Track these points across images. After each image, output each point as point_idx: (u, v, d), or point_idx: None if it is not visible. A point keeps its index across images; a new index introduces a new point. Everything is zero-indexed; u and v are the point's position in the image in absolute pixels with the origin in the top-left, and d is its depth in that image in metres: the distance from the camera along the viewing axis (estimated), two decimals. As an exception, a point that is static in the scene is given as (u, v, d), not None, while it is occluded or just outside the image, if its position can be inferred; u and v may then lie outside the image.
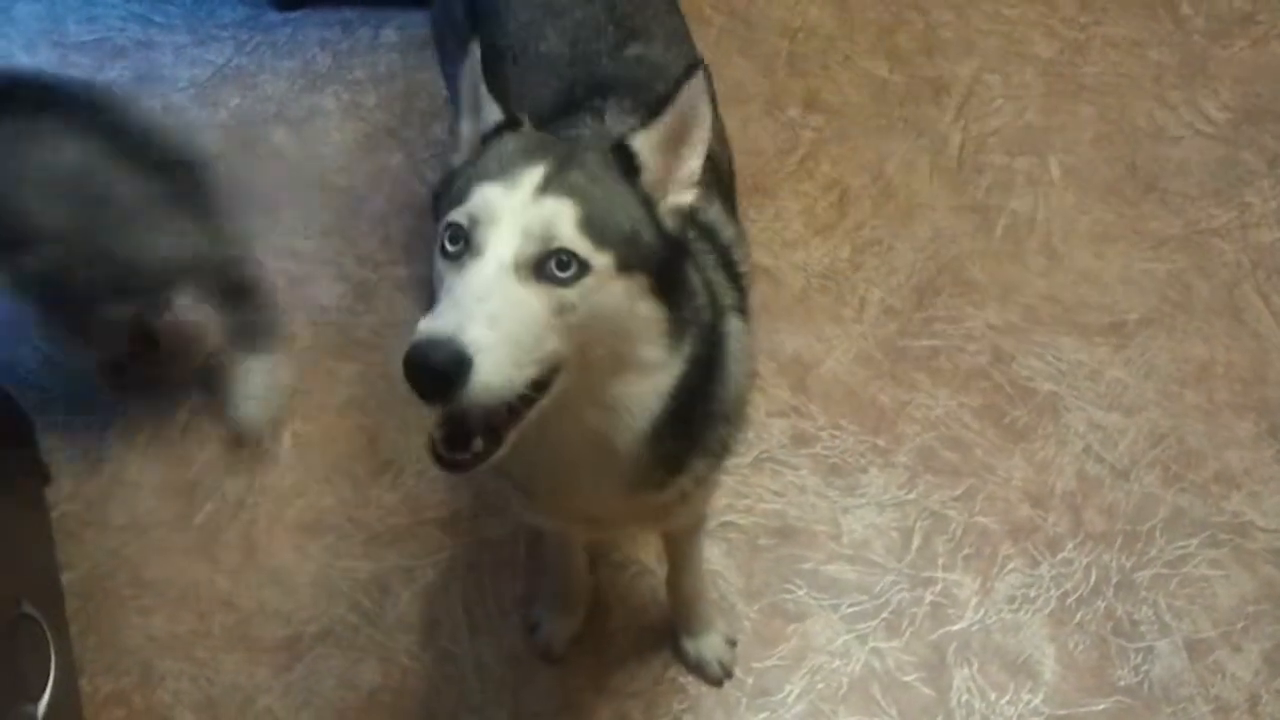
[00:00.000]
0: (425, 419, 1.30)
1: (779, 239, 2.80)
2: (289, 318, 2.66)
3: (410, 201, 2.88)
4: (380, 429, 2.54)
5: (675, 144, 1.43)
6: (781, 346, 2.63)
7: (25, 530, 2.24)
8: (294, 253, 2.80)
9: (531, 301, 1.27)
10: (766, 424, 2.51)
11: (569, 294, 1.29)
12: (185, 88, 3.12)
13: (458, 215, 1.32)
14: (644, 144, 1.42)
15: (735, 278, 1.74)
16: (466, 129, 1.52)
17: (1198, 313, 2.70)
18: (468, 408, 1.23)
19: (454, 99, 2.34)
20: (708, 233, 1.70)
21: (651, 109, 1.43)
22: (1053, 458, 2.50)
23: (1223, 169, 2.93)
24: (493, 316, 1.23)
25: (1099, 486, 2.47)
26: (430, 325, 1.22)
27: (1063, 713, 2.23)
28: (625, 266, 1.34)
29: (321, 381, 2.61)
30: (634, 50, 1.90)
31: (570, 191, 1.33)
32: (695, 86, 1.41)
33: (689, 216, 1.45)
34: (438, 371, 1.19)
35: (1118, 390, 2.59)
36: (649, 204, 1.41)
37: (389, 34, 3.23)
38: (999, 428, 2.54)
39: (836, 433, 2.53)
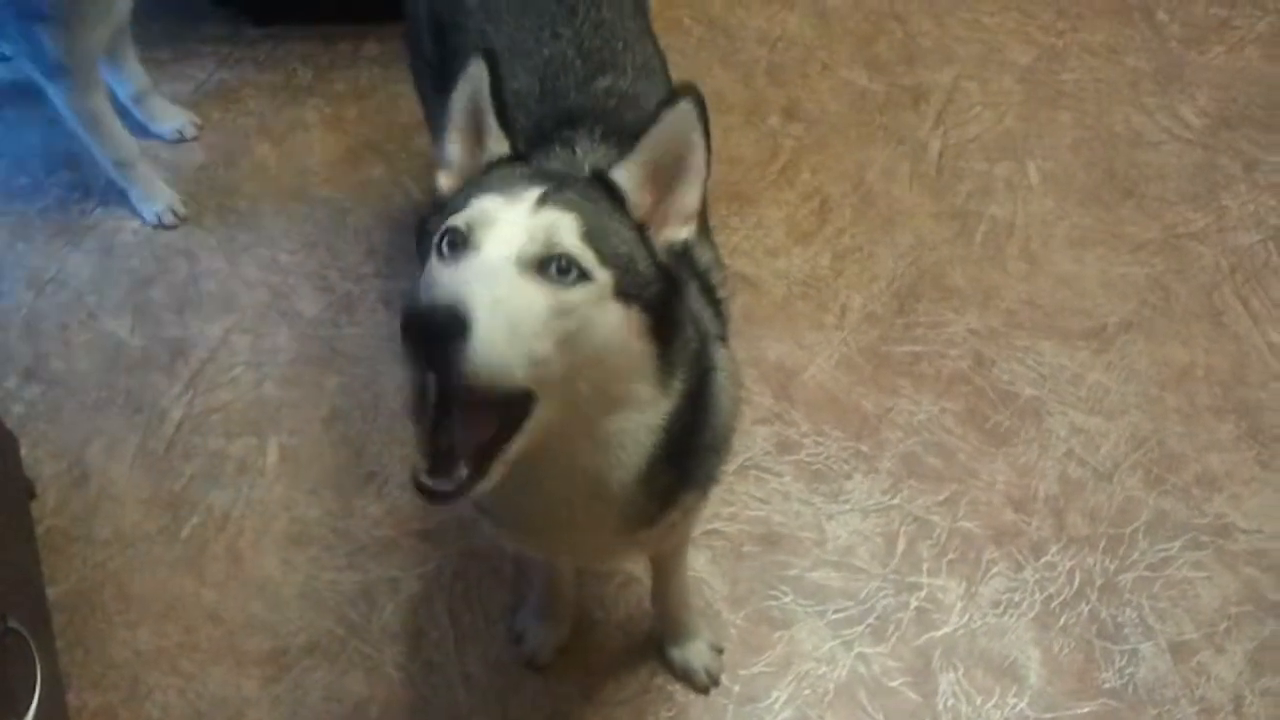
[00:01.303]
0: (409, 452, 1.29)
1: (760, 247, 2.81)
2: (275, 330, 2.67)
3: (393, 214, 2.89)
4: (365, 441, 2.54)
5: (665, 176, 1.39)
6: (764, 354, 2.64)
7: (10, 545, 2.23)
8: (277, 265, 2.81)
9: (532, 293, 1.24)
10: (750, 431, 2.52)
11: (570, 296, 1.26)
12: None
13: (456, 220, 1.31)
14: (625, 174, 1.40)
15: (715, 303, 1.74)
16: (455, 149, 1.50)
17: (1177, 316, 2.71)
18: (461, 382, 1.18)
19: (431, 124, 2.37)
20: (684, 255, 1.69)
21: (631, 137, 1.41)
22: (1035, 462, 2.52)
23: (1200, 174, 2.95)
24: (493, 296, 1.20)
25: (1081, 490, 2.48)
26: (428, 295, 1.20)
27: (1048, 716, 2.24)
28: (623, 292, 1.31)
29: (306, 394, 2.61)
30: (603, 83, 1.89)
31: (571, 206, 1.32)
32: (681, 114, 1.37)
33: (683, 253, 1.42)
34: (438, 325, 1.14)
35: (1099, 394, 2.60)
36: (641, 234, 1.39)
37: (370, 47, 3.24)
38: (981, 432, 2.55)
39: (820, 439, 2.54)
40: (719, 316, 1.73)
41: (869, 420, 2.57)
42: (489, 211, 1.30)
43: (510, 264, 1.25)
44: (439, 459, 1.26)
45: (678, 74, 2.06)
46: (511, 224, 1.29)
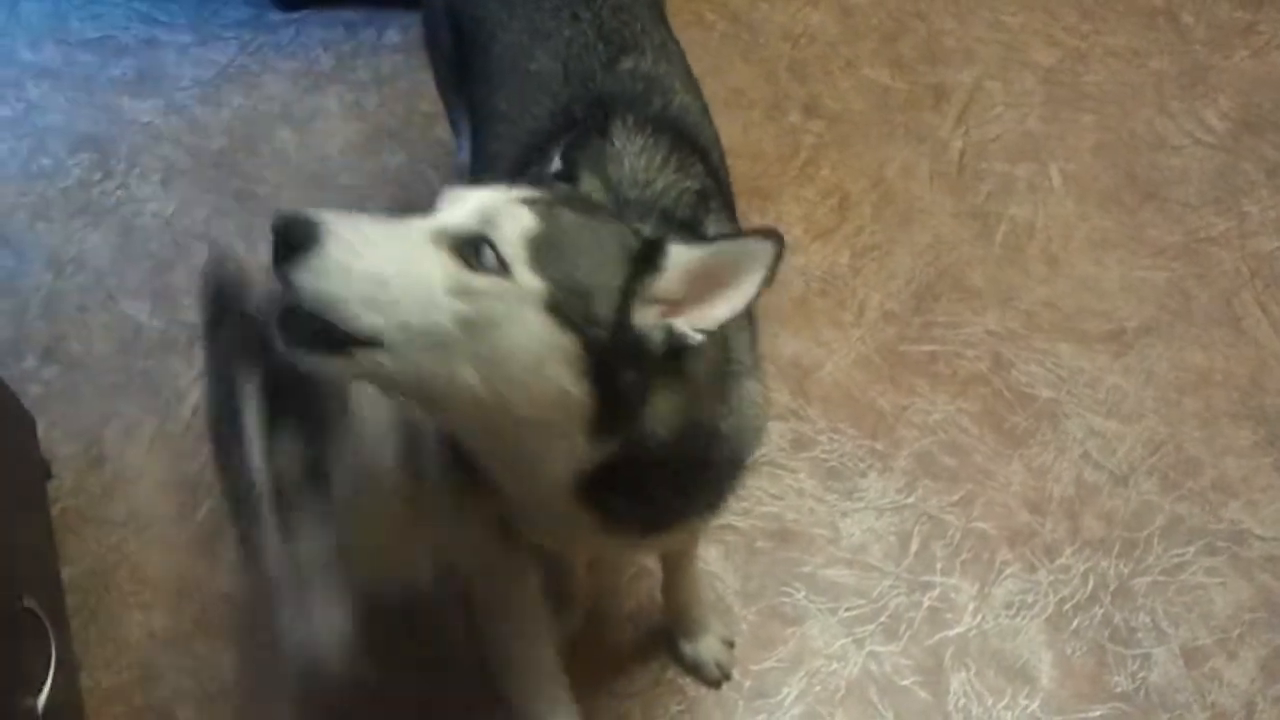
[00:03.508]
0: None
1: (779, 243, 2.80)
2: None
3: (413, 202, 2.85)
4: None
5: (711, 281, 1.31)
6: (780, 350, 2.63)
7: (26, 525, 2.24)
8: (296, 252, 2.80)
9: (433, 261, 1.22)
10: (766, 428, 2.51)
11: (472, 280, 1.22)
12: (189, 87, 3.13)
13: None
14: (678, 256, 1.33)
15: (752, 323, 1.71)
16: None
17: (1196, 321, 2.71)
18: (293, 295, 1.16)
19: (449, 111, 2.38)
20: None
21: (703, 236, 1.41)
22: (1051, 464, 2.51)
23: (1222, 178, 2.94)
24: (373, 237, 1.19)
25: (1097, 493, 2.48)
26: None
27: (1059, 718, 2.24)
28: (556, 309, 1.25)
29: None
30: (627, 64, 1.88)
31: (546, 218, 1.27)
32: (761, 250, 1.28)
33: (678, 349, 1.34)
34: (285, 231, 1.15)
35: (1116, 397, 2.60)
36: (632, 293, 1.31)
37: (392, 35, 3.23)
38: (998, 433, 2.55)
39: (835, 437, 2.54)
40: (754, 338, 1.68)
41: (885, 419, 2.57)
42: (474, 191, 1.29)
43: (425, 230, 1.23)
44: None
45: (699, 69, 2.05)
46: (466, 203, 1.27)
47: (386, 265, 1.19)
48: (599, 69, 1.87)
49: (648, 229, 1.51)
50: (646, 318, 1.31)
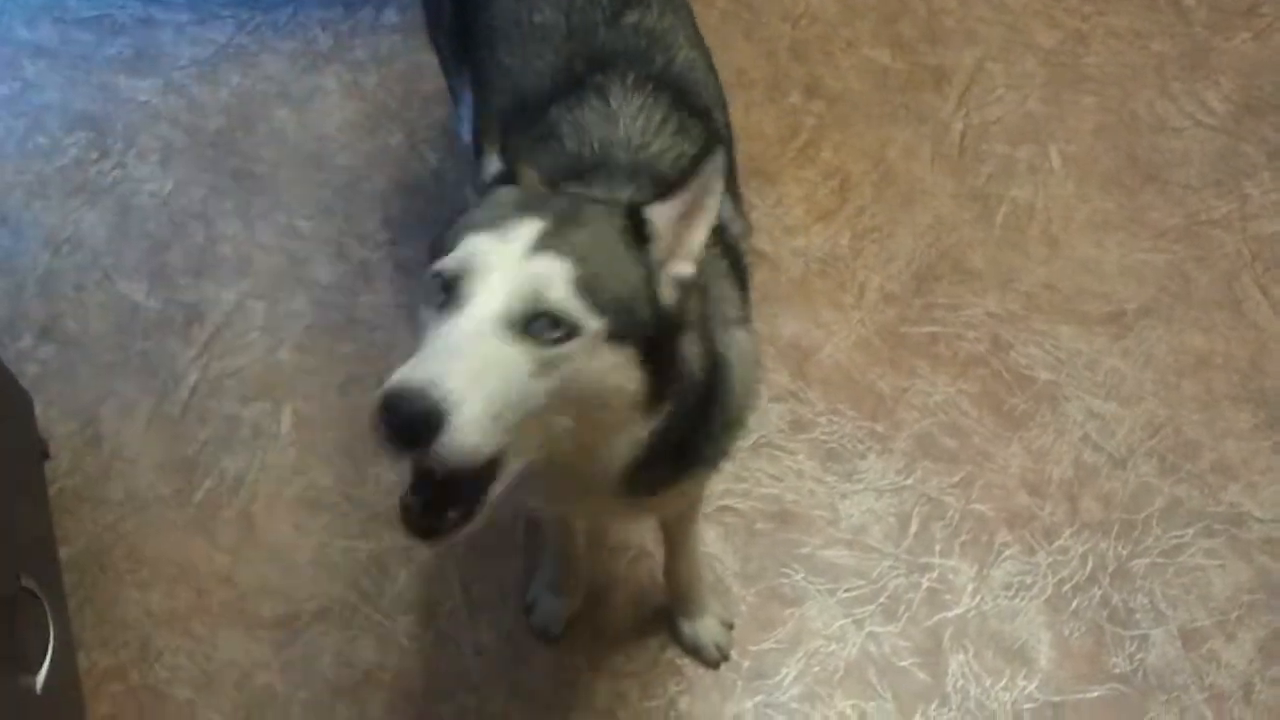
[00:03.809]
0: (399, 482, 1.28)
1: (779, 225, 2.80)
2: (291, 296, 2.68)
3: (411, 182, 2.88)
4: (380, 408, 2.54)
5: (686, 219, 1.40)
6: (780, 332, 2.63)
7: (23, 504, 2.23)
8: (294, 231, 2.80)
9: (514, 358, 1.23)
10: (765, 409, 2.51)
11: (555, 352, 1.25)
12: (186, 66, 3.11)
13: (445, 264, 1.29)
14: (659, 215, 1.39)
15: (741, 276, 1.73)
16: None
17: (1196, 303, 2.70)
18: (439, 467, 1.18)
19: (449, 80, 2.37)
20: (716, 230, 1.62)
21: (670, 184, 1.42)
22: (1050, 446, 2.51)
23: (1223, 160, 2.93)
24: (472, 371, 1.19)
25: (1096, 475, 2.48)
26: (405, 374, 1.18)
27: (1057, 699, 2.24)
28: (616, 335, 1.30)
29: (322, 360, 2.61)
30: (631, 18, 1.87)
31: (568, 251, 1.29)
32: (713, 165, 1.39)
33: (689, 288, 1.42)
34: (410, 421, 1.15)
35: (1116, 379, 2.59)
36: (650, 275, 1.38)
37: (390, 15, 3.21)
38: (997, 415, 2.55)
39: (835, 418, 2.54)
40: (745, 293, 1.72)
41: (884, 400, 2.56)
42: (479, 254, 1.28)
43: (493, 330, 1.23)
44: (429, 496, 1.27)
45: (700, 47, 2.05)
46: (499, 275, 1.27)
47: (497, 393, 1.21)
48: (602, 23, 1.86)
49: (624, 195, 1.57)
50: (664, 288, 1.38)
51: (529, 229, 1.31)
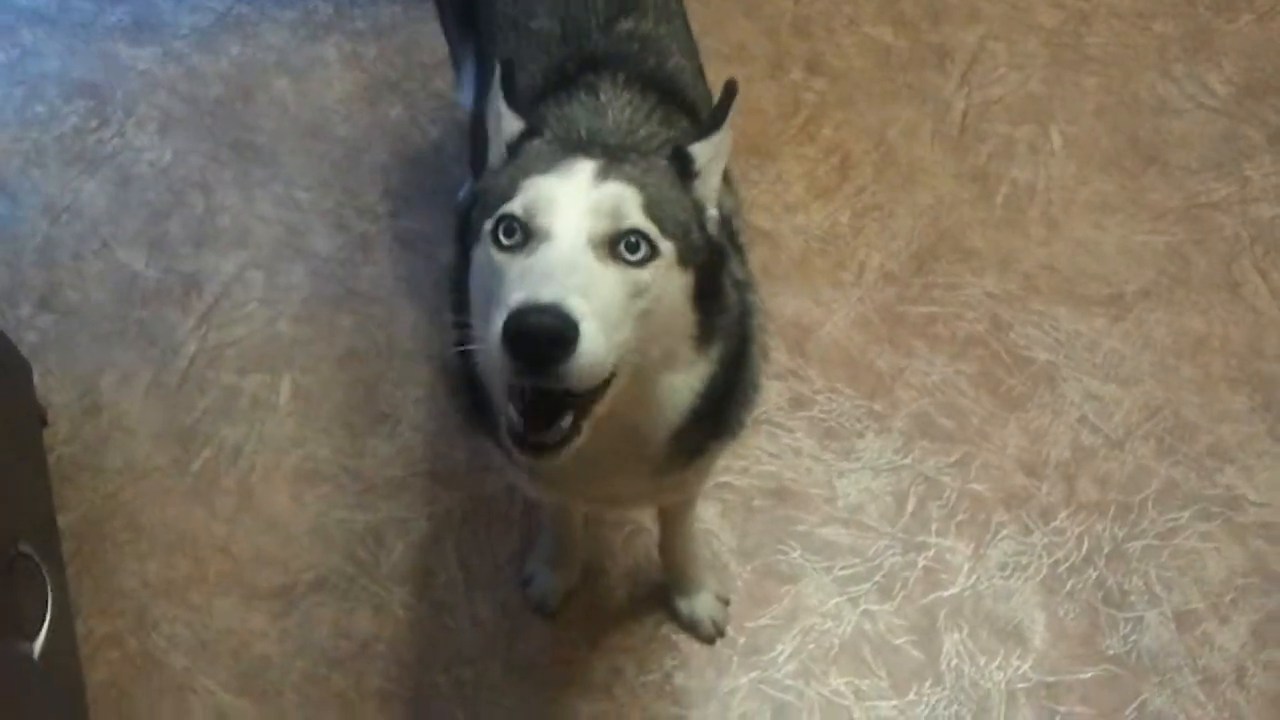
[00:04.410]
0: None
1: (779, 202, 2.79)
2: (289, 267, 2.67)
3: (410, 154, 2.87)
4: (378, 381, 2.54)
5: (715, 161, 1.46)
6: (780, 309, 2.63)
7: (22, 472, 2.24)
8: (293, 202, 2.79)
9: (613, 279, 1.25)
10: (764, 386, 2.51)
11: (644, 275, 1.27)
12: (186, 34, 3.10)
13: (511, 207, 1.30)
14: (703, 154, 1.44)
15: (739, 250, 1.74)
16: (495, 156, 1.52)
17: (1195, 286, 2.70)
18: (571, 383, 1.18)
19: (450, 49, 2.36)
20: None
21: (706, 124, 1.46)
22: (1048, 427, 2.51)
23: (1224, 143, 2.93)
24: (584, 288, 1.20)
25: (1093, 457, 2.48)
26: (529, 294, 1.18)
27: (1051, 679, 2.25)
28: (683, 259, 1.34)
29: (320, 331, 2.61)
30: (625, 25, 1.88)
31: (629, 179, 1.32)
32: (727, 107, 1.45)
33: (722, 224, 1.47)
34: (549, 337, 1.14)
35: (1114, 361, 2.60)
36: (697, 206, 1.43)
37: (391, -15, 3.21)
38: (995, 396, 2.55)
39: (833, 396, 2.54)
40: (742, 254, 1.73)
41: (883, 379, 2.56)
42: (545, 192, 1.30)
43: (586, 251, 1.25)
44: (542, 410, 1.25)
45: (700, 25, 2.05)
46: (574, 203, 1.28)
47: (607, 311, 1.22)
48: (595, 29, 1.87)
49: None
50: (708, 217, 1.44)
51: (586, 164, 1.34)
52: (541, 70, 1.84)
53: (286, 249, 2.72)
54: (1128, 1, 3.19)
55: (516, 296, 1.18)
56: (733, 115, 1.46)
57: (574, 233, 1.26)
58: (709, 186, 1.46)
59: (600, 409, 1.28)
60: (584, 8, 1.88)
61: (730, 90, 1.45)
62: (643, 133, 1.72)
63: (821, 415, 2.51)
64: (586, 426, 1.28)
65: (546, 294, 1.17)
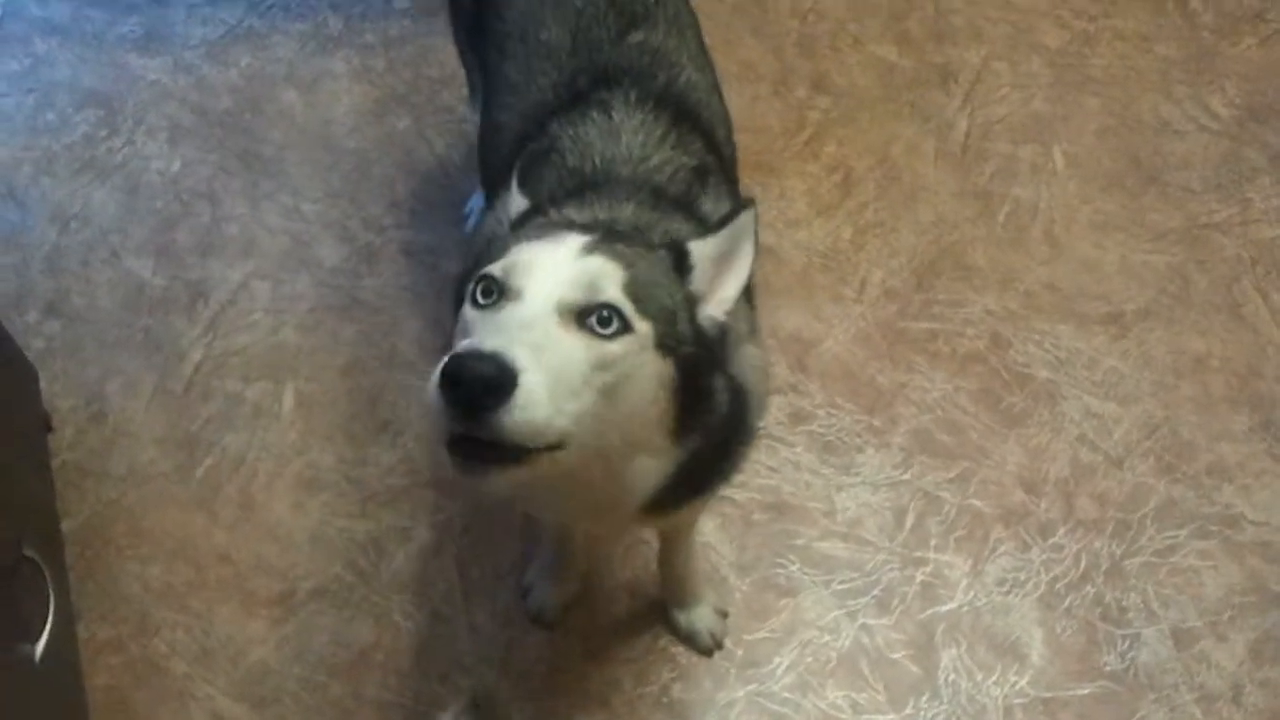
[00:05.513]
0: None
1: (782, 218, 2.81)
2: (295, 277, 2.69)
3: (417, 167, 2.89)
4: (381, 390, 2.55)
5: (719, 263, 1.44)
6: (781, 324, 2.64)
7: (27, 476, 2.25)
8: (300, 213, 2.81)
9: (573, 345, 1.24)
10: (769, 393, 2.52)
11: (612, 348, 1.26)
12: (197, 46, 3.13)
13: (492, 268, 1.31)
14: (699, 251, 1.43)
15: (748, 292, 1.73)
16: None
17: (1196, 306, 2.71)
18: (505, 436, 1.16)
19: (468, 72, 2.38)
20: None
21: (710, 227, 1.47)
22: (1047, 444, 2.52)
23: (1226, 165, 2.95)
24: (536, 346, 1.19)
25: (1092, 474, 2.49)
26: (471, 343, 1.18)
27: (1048, 695, 2.25)
28: (661, 344, 1.32)
29: (324, 341, 2.62)
30: (636, 37, 1.89)
31: (616, 256, 1.33)
32: (749, 219, 1.43)
33: (722, 330, 1.45)
34: (479, 383, 1.13)
35: (1114, 379, 2.61)
36: (690, 299, 1.41)
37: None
38: (995, 412, 2.56)
39: (833, 411, 2.55)
40: (753, 310, 1.74)
41: (883, 395, 2.57)
42: (529, 258, 1.31)
43: (551, 314, 1.25)
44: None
45: (707, 43, 2.06)
46: (552, 271, 1.29)
47: (558, 375, 1.21)
48: (607, 41, 1.87)
49: (628, 210, 1.61)
50: (704, 317, 1.42)
51: (577, 239, 1.34)
52: (552, 84, 1.85)
53: (292, 259, 2.74)
54: (1131, 24, 3.21)
55: (463, 344, 1.19)
56: (757, 231, 1.46)
57: (543, 297, 1.26)
58: (716, 291, 1.44)
59: (526, 474, 1.24)
60: (595, 20, 1.89)
61: (744, 204, 1.45)
62: (656, 159, 1.72)
63: (821, 430, 2.52)
64: (523, 471, 1.24)
65: (491, 344, 1.17)
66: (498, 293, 1.29)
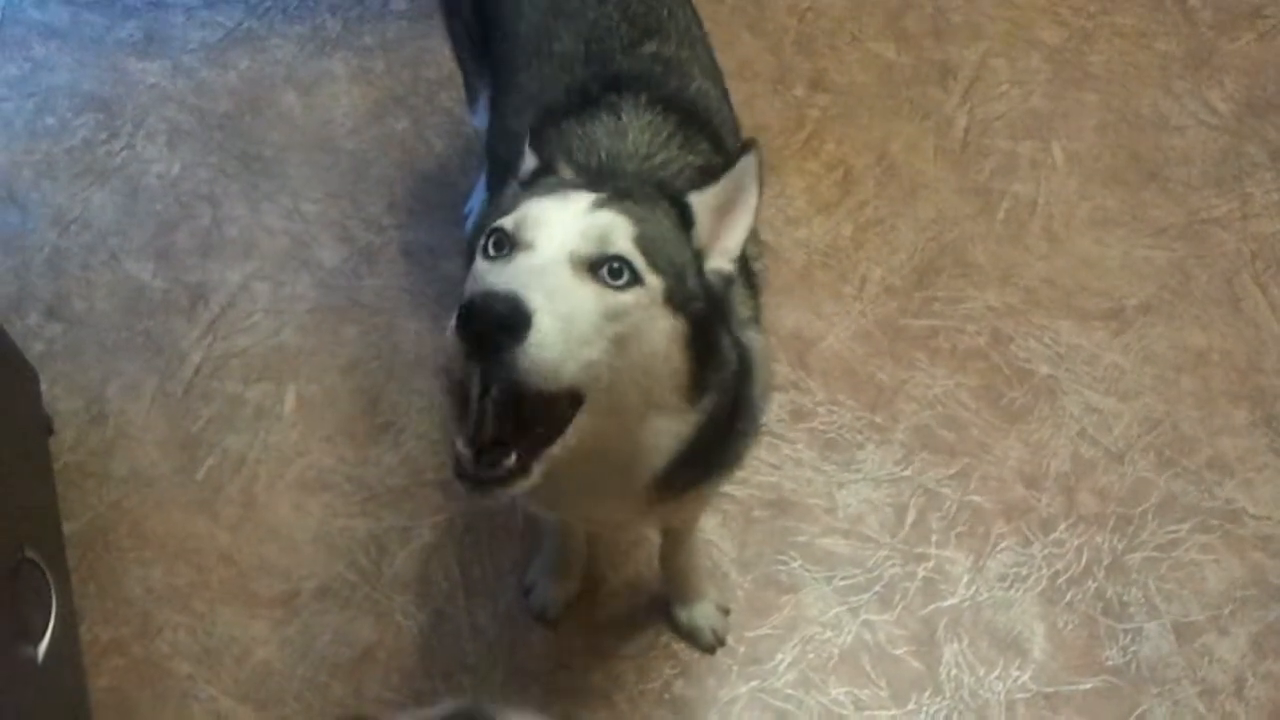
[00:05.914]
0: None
1: (782, 216, 2.81)
2: (295, 279, 2.69)
3: (416, 167, 2.90)
4: (382, 391, 2.56)
5: (723, 213, 1.45)
6: (782, 322, 2.64)
7: (28, 479, 2.25)
8: (300, 214, 2.82)
9: (586, 293, 1.25)
10: (773, 380, 2.52)
11: (623, 299, 1.27)
12: (195, 49, 3.13)
13: (503, 222, 1.32)
14: (700, 203, 1.44)
15: (750, 278, 1.75)
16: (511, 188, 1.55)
17: (1196, 301, 2.71)
18: (520, 375, 1.17)
19: (465, 80, 2.38)
20: None
21: (708, 174, 1.47)
22: (1048, 439, 2.52)
23: (1225, 160, 2.95)
24: (550, 291, 1.21)
25: (1093, 469, 2.49)
26: (489, 284, 1.20)
27: (1050, 690, 2.25)
28: (671, 300, 1.33)
29: (324, 342, 2.63)
30: (649, 48, 1.90)
31: (626, 211, 1.34)
32: (749, 163, 1.44)
33: (727, 281, 1.46)
34: (497, 319, 1.15)
35: (1115, 375, 2.61)
36: (697, 255, 1.43)
37: (398, 1, 3.23)
38: (996, 408, 2.56)
39: (834, 408, 2.55)
40: (754, 292, 1.74)
41: (884, 391, 2.57)
42: (540, 212, 1.32)
43: (564, 262, 1.26)
44: (483, 448, 1.25)
45: (708, 40, 2.07)
46: (564, 224, 1.30)
47: (571, 320, 1.22)
48: (619, 51, 1.88)
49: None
50: (710, 270, 1.43)
51: (587, 195, 1.36)
52: (564, 89, 1.86)
53: (292, 260, 2.74)
54: (1130, 20, 3.21)
55: (477, 289, 1.21)
56: (760, 173, 1.46)
57: (556, 247, 1.27)
58: (720, 241, 1.46)
59: (557, 450, 1.27)
60: (608, 31, 1.90)
61: (745, 147, 1.45)
62: (661, 157, 1.73)
63: (822, 427, 2.52)
64: (538, 468, 1.27)
65: (504, 286, 1.19)
66: (509, 245, 1.31)
